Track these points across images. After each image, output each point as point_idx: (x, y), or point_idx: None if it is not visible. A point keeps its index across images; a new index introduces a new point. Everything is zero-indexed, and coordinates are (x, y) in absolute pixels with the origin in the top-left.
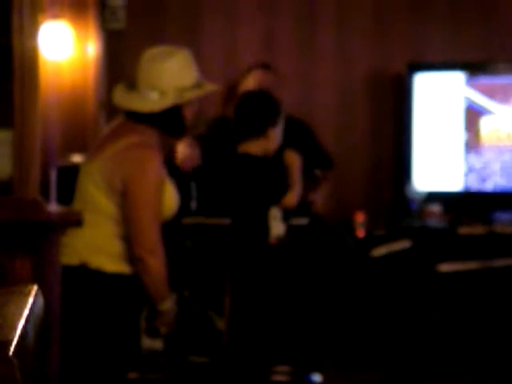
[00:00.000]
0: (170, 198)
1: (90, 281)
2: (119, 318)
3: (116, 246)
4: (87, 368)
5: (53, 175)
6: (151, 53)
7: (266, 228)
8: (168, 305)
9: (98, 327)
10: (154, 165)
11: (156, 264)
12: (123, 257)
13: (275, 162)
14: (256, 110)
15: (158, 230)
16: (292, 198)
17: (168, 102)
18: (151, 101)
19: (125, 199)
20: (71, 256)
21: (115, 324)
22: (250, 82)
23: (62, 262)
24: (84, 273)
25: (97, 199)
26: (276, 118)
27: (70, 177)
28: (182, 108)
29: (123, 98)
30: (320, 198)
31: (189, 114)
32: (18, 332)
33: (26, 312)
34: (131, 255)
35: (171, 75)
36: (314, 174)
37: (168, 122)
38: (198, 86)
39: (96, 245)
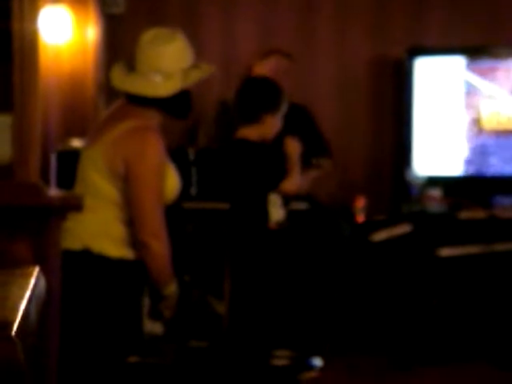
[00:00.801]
0: (172, 182)
1: (93, 265)
2: (121, 303)
3: (119, 231)
4: (88, 352)
5: (53, 159)
6: (150, 35)
7: (265, 213)
8: (172, 289)
9: (100, 312)
10: (156, 148)
11: (160, 248)
12: (126, 242)
13: (273, 148)
14: (251, 96)
15: (161, 213)
16: (291, 184)
17: (177, 85)
18: (157, 84)
19: (127, 183)
20: (74, 241)
21: (117, 309)
22: (268, 66)
23: (64, 246)
24: (87, 257)
25: (99, 184)
26: (274, 105)
27: (69, 161)
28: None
29: (124, 81)
30: (306, 180)
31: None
32: (20, 313)
33: (28, 293)
34: (134, 239)
35: (175, 57)
36: (311, 161)
37: (176, 105)
38: (195, 66)
39: (98, 230)
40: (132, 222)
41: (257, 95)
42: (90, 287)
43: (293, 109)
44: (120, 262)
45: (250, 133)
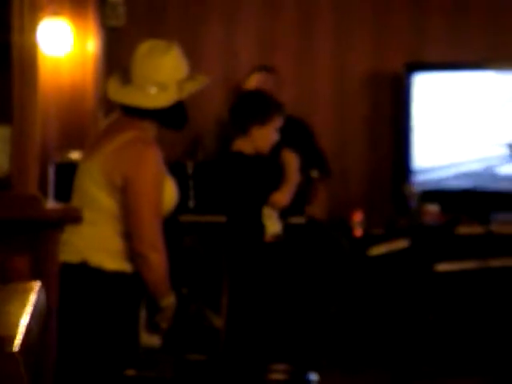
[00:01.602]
0: (169, 195)
1: (91, 279)
2: (119, 316)
3: (117, 244)
4: (86, 365)
5: (51, 171)
6: (146, 47)
7: (261, 226)
8: (169, 300)
9: (97, 325)
10: (154, 160)
11: (157, 260)
12: (124, 255)
13: (269, 160)
14: (239, 109)
15: (159, 225)
16: (282, 196)
17: (173, 96)
18: (152, 95)
19: (125, 195)
20: (72, 254)
21: (114, 322)
22: (253, 84)
23: (62, 259)
24: (84, 270)
25: (97, 197)
26: (260, 117)
27: (68, 173)
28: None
29: (119, 93)
30: (318, 209)
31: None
32: (23, 329)
33: (30, 309)
34: (132, 251)
35: (171, 69)
36: (310, 175)
37: (172, 116)
38: (191, 77)
39: (97, 243)
40: (129, 234)
41: (243, 107)
42: (87, 300)
43: (290, 122)
44: (117, 275)
45: (244, 146)
